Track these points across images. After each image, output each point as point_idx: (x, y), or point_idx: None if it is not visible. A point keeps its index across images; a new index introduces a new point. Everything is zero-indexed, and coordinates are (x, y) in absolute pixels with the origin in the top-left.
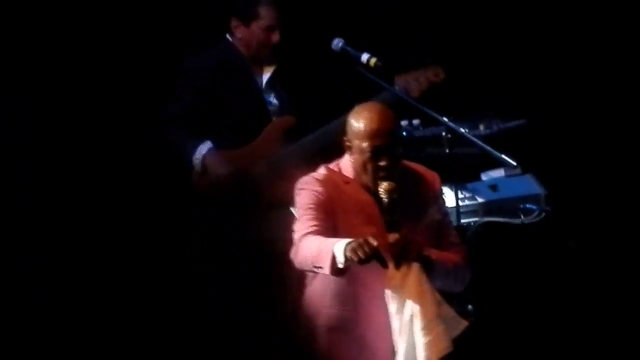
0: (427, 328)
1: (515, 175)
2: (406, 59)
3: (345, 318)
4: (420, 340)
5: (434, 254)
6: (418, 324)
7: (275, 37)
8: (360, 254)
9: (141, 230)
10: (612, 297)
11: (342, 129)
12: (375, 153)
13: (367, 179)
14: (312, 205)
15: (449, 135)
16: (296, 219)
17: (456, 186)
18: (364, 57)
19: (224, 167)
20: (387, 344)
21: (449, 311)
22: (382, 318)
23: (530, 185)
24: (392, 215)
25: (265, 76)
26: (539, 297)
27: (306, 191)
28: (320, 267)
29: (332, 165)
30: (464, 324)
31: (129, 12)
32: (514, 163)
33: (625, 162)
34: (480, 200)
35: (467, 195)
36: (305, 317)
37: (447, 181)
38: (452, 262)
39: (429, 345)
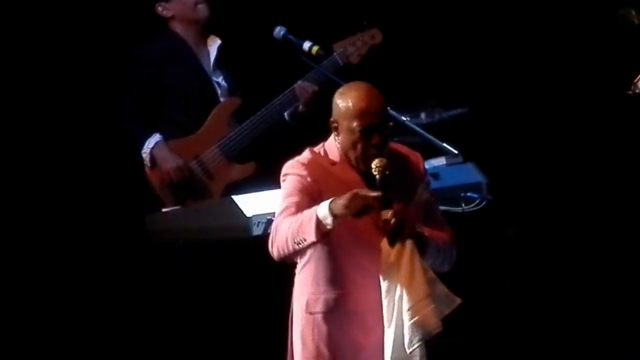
0: (414, 308)
1: (457, 163)
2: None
3: (342, 300)
4: (407, 322)
5: (426, 231)
6: (405, 305)
7: None
8: (354, 207)
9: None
10: (552, 283)
11: (287, 106)
12: (366, 132)
13: (356, 159)
14: (294, 192)
15: (391, 124)
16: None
17: None
18: (306, 45)
19: (173, 160)
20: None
21: (441, 289)
22: (377, 296)
23: (471, 173)
24: (384, 191)
25: (212, 55)
26: (479, 284)
27: (290, 176)
28: (304, 239)
29: (317, 148)
30: (457, 301)
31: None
32: (456, 151)
33: (565, 150)
34: None
35: None
36: (300, 306)
37: None
38: (442, 241)
39: (415, 326)
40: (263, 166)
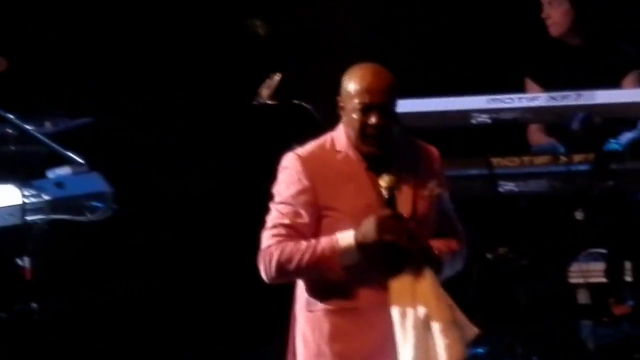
0: (444, 332)
1: (82, 173)
2: None
3: (342, 297)
4: (441, 342)
5: (436, 246)
6: (437, 326)
7: None
8: (396, 234)
9: None
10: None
11: None
12: (365, 110)
13: (356, 138)
14: (288, 199)
15: (15, 133)
16: (271, 202)
17: (21, 184)
18: None
19: None
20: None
21: (461, 316)
22: (379, 292)
23: (96, 183)
24: (392, 210)
25: None
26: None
27: (287, 171)
28: (326, 269)
29: (324, 137)
30: (474, 330)
31: None
32: (81, 161)
33: (193, 159)
34: (46, 197)
35: (33, 192)
36: (300, 304)
37: (12, 179)
38: (452, 250)
39: (446, 350)
40: None
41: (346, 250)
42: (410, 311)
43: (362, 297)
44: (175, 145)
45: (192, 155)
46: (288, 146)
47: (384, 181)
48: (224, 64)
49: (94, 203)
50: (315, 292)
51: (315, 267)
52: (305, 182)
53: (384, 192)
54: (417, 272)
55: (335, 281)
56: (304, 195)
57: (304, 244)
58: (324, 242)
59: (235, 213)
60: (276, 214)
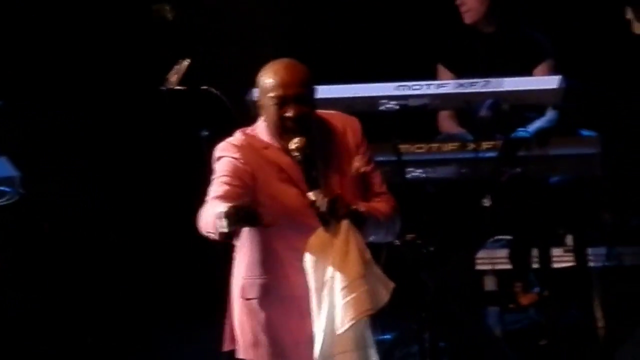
0: (347, 288)
1: None
2: None
3: (277, 285)
4: (340, 301)
5: (363, 206)
6: (339, 284)
7: None
8: (233, 219)
9: None
10: (87, 277)
11: None
12: (280, 104)
13: (275, 132)
14: (227, 172)
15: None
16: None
17: None
18: None
19: None
20: None
21: (377, 272)
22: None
23: (3, 167)
24: (308, 171)
25: None
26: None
27: (223, 159)
28: (212, 232)
29: (248, 130)
30: (391, 285)
31: None
32: None
33: (102, 144)
34: None
35: None
36: (237, 291)
37: None
38: (382, 213)
39: (349, 306)
40: None
41: (219, 218)
42: (325, 274)
43: (297, 285)
44: (83, 129)
45: (101, 139)
46: (196, 131)
47: (293, 144)
48: (132, 49)
49: (2, 187)
50: (251, 280)
51: (207, 225)
52: (245, 166)
53: (297, 155)
54: (335, 229)
55: (270, 269)
56: (243, 173)
57: (215, 205)
58: (221, 206)
59: (146, 195)
60: (214, 186)
